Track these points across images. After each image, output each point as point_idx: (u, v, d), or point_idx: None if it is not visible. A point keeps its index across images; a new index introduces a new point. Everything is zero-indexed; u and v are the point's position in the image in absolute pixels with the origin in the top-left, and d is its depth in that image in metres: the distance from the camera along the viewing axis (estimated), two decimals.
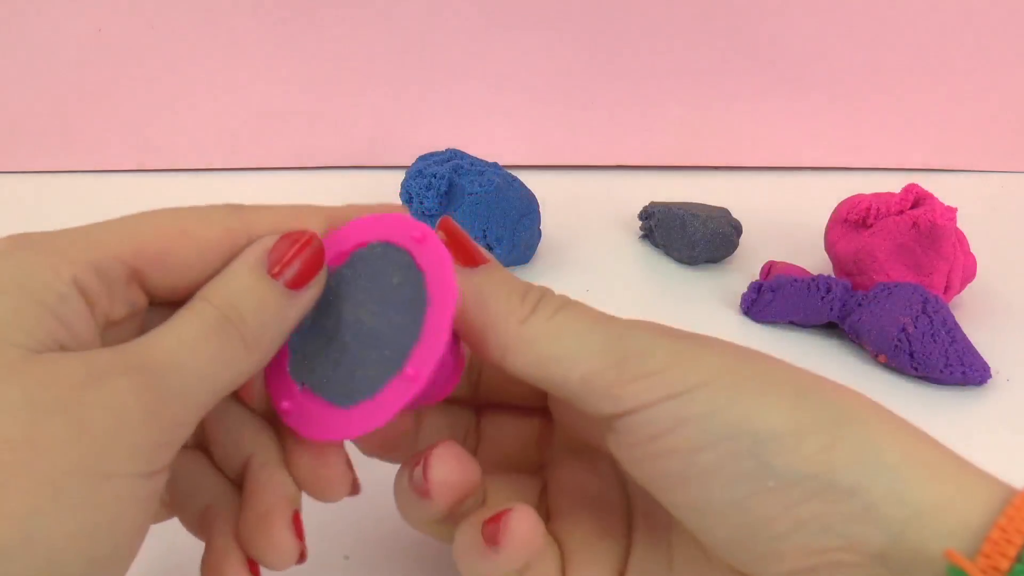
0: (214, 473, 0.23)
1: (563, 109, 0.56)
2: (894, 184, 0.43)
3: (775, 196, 0.54)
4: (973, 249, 0.42)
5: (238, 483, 0.23)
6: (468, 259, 0.22)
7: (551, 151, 0.56)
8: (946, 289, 0.41)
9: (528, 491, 0.26)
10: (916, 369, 0.37)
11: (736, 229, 0.46)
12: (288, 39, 0.54)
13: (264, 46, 0.54)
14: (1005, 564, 0.18)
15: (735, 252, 0.47)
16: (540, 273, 0.45)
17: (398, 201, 0.45)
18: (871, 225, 0.41)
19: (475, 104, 0.56)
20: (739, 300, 0.42)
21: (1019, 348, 0.40)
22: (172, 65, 0.54)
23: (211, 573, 0.22)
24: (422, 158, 0.45)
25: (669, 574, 0.23)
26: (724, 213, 0.47)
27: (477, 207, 0.42)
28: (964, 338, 0.37)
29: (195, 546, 0.23)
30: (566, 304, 0.22)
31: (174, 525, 0.24)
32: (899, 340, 0.37)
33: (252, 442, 0.23)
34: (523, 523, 0.21)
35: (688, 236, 0.45)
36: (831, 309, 0.39)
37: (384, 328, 0.22)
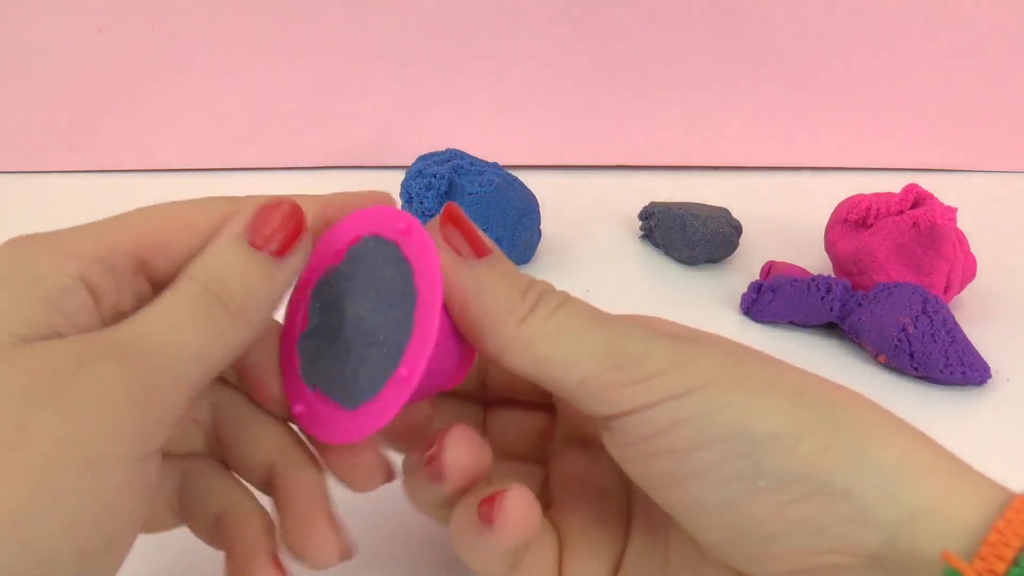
0: (227, 479, 0.23)
1: (563, 109, 0.56)
2: (894, 184, 0.43)
3: (775, 196, 0.54)
4: (973, 249, 0.42)
5: (260, 488, 0.23)
6: (471, 249, 0.22)
7: (551, 151, 0.56)
8: (946, 289, 0.41)
9: (530, 481, 0.26)
10: (916, 369, 0.37)
11: (736, 229, 0.46)
12: (288, 39, 0.54)
13: (264, 46, 0.54)
14: (1001, 567, 0.18)
15: (735, 252, 0.47)
16: (540, 273, 0.45)
17: (398, 202, 0.45)
18: (871, 225, 0.41)
19: (475, 104, 0.56)
20: (739, 300, 0.42)
21: (1019, 348, 0.40)
22: (172, 65, 0.54)
23: (238, 574, 0.22)
24: (422, 158, 0.45)
25: (665, 568, 0.23)
26: (724, 213, 0.47)
27: (477, 207, 0.42)
28: (964, 338, 0.37)
29: (194, 553, 0.23)
30: (565, 302, 0.22)
31: (182, 532, 0.24)
32: (899, 340, 0.37)
33: (274, 447, 0.23)
34: (517, 503, 0.21)
35: (688, 236, 0.45)
36: (831, 309, 0.39)
37: (380, 325, 0.22)
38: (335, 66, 0.54)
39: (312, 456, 0.23)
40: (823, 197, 0.46)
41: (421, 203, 0.43)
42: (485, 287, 0.21)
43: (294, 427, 0.24)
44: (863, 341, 0.38)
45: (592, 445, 0.24)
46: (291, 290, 0.24)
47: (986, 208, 0.53)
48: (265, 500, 0.23)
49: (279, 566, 0.22)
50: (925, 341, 0.37)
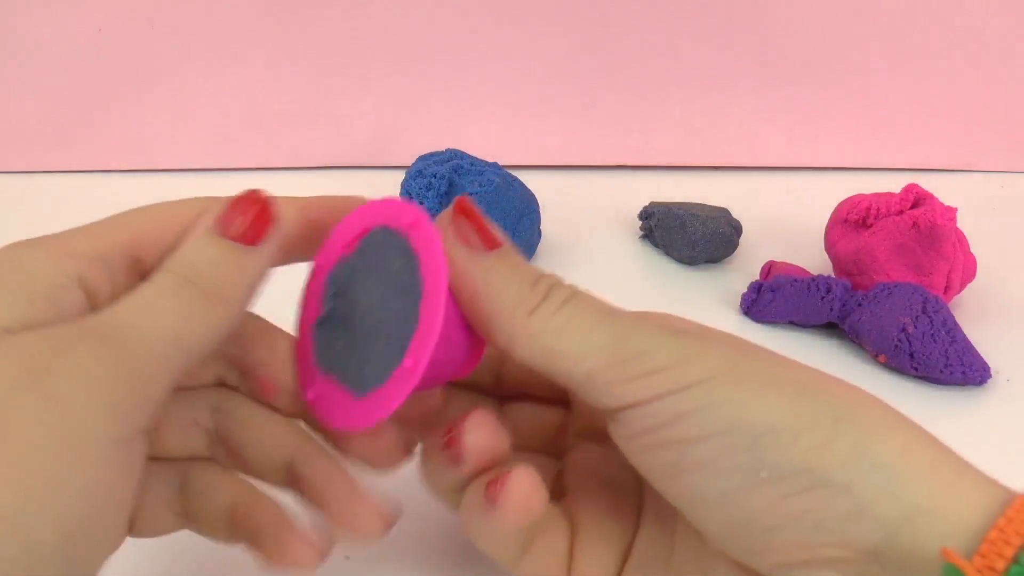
0: (231, 476, 0.24)
1: (563, 109, 0.56)
2: (894, 184, 0.43)
3: (775, 196, 0.54)
4: (973, 249, 0.42)
5: (277, 485, 0.24)
6: (481, 242, 0.22)
7: (551, 151, 0.56)
8: (946, 289, 0.41)
9: (545, 472, 0.26)
10: (916, 369, 0.37)
11: (736, 229, 0.46)
12: (288, 39, 0.54)
13: (264, 46, 0.54)
14: (1001, 564, 0.18)
15: (735, 252, 0.47)
16: None
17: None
18: (871, 225, 0.41)
19: (475, 104, 0.56)
20: (739, 300, 0.42)
21: (1019, 348, 0.40)
22: (172, 65, 0.54)
23: (277, 549, 0.23)
24: (422, 158, 0.45)
25: (670, 557, 0.23)
26: (724, 213, 0.47)
27: None
28: (964, 338, 0.37)
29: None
30: (574, 296, 0.22)
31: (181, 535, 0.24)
32: (899, 340, 0.37)
33: (290, 443, 0.23)
34: (521, 482, 0.22)
35: (688, 236, 0.45)
36: (831, 309, 0.39)
37: (388, 315, 0.22)
38: (335, 66, 0.54)
39: (324, 446, 0.24)
40: (823, 197, 0.46)
41: (421, 203, 0.43)
42: (495, 279, 0.22)
43: (301, 423, 0.24)
44: (863, 341, 0.38)
45: (605, 439, 0.24)
46: (308, 276, 0.24)
47: (986, 208, 0.53)
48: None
49: (311, 540, 0.23)
50: (925, 341, 0.37)
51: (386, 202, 0.23)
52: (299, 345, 0.24)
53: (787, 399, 0.20)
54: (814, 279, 0.40)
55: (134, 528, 0.23)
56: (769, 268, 0.43)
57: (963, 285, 0.42)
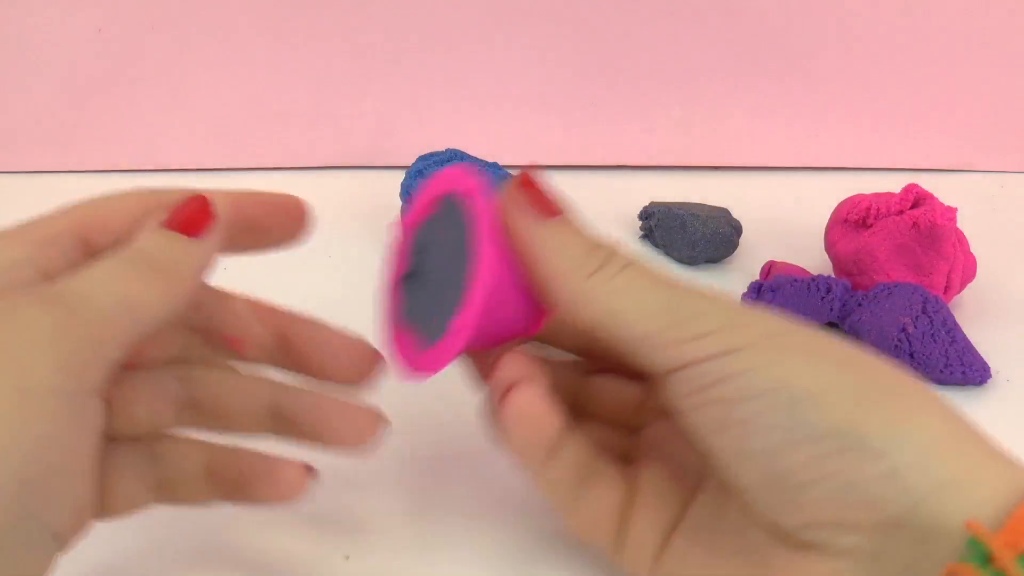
0: (202, 440, 0.25)
1: (563, 109, 0.56)
2: (894, 184, 0.43)
3: (775, 196, 0.54)
4: (973, 249, 0.42)
5: (264, 432, 0.26)
6: (542, 210, 0.24)
7: (551, 151, 0.56)
8: (946, 289, 0.41)
9: (615, 441, 0.28)
10: (916, 369, 0.37)
11: (736, 229, 0.46)
12: (288, 39, 0.54)
13: (264, 46, 0.54)
14: None
15: (735, 252, 0.47)
16: None
17: (397, 201, 0.45)
18: (871, 225, 0.41)
19: (475, 104, 0.56)
20: (739, 300, 0.42)
21: (1019, 348, 0.40)
22: (172, 65, 0.54)
23: (266, 485, 0.24)
24: (422, 158, 0.45)
25: (717, 527, 0.24)
26: (724, 213, 0.47)
27: None
28: (964, 338, 0.37)
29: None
30: (632, 262, 0.23)
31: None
32: (899, 340, 0.37)
33: (268, 388, 0.25)
34: (522, 394, 0.24)
35: (688, 236, 0.45)
36: (831, 309, 0.39)
37: (452, 274, 0.24)
38: (335, 66, 0.54)
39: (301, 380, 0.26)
40: (823, 197, 0.46)
41: None
42: (555, 244, 0.23)
43: (271, 369, 0.26)
44: (863, 341, 0.38)
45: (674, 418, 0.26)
46: (398, 234, 0.28)
47: (986, 208, 0.53)
48: None
49: (296, 463, 0.25)
50: (925, 341, 0.37)
51: (458, 168, 0.25)
52: (387, 298, 0.27)
53: (829, 367, 0.21)
54: (814, 279, 0.40)
55: (110, 506, 0.24)
56: (769, 268, 0.43)
57: (963, 285, 0.42)
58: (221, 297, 0.26)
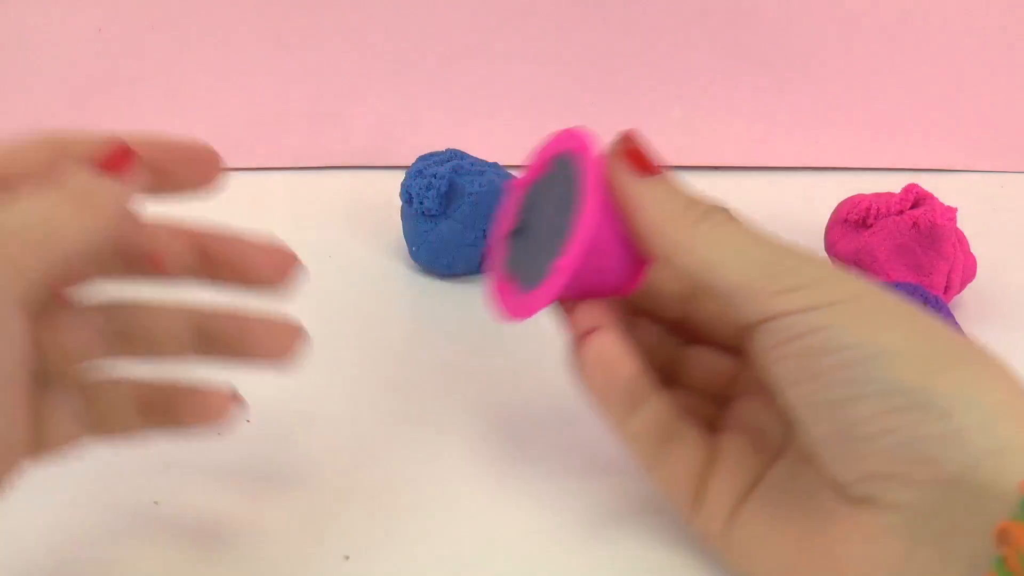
0: (132, 373, 0.26)
1: (563, 109, 0.56)
2: (894, 184, 0.43)
3: (775, 196, 0.54)
4: (973, 249, 0.42)
5: (194, 353, 0.27)
6: (646, 169, 0.26)
7: None
8: (946, 289, 0.41)
9: (704, 410, 0.29)
10: None
11: None
12: (288, 39, 0.54)
13: (264, 46, 0.54)
14: None
15: None
16: None
17: (397, 201, 0.45)
18: (871, 225, 0.41)
19: (475, 104, 0.56)
20: None
21: (1019, 348, 0.40)
22: (172, 65, 0.53)
23: (197, 409, 0.26)
24: (422, 158, 0.45)
25: (789, 491, 0.25)
26: None
27: (477, 207, 0.42)
28: None
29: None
30: (731, 217, 0.25)
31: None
32: None
33: (192, 310, 0.26)
34: (599, 338, 0.26)
35: None
36: None
37: (556, 227, 0.26)
38: (335, 66, 0.54)
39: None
40: (823, 197, 0.46)
41: (421, 203, 0.43)
42: (658, 197, 0.25)
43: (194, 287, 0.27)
44: None
45: (765, 391, 0.27)
46: (509, 194, 0.30)
47: (986, 208, 0.53)
48: None
49: (224, 388, 0.26)
50: None
51: (571, 130, 0.28)
52: (497, 251, 0.30)
53: (907, 330, 0.22)
54: None
55: (44, 444, 0.24)
56: None
57: (963, 285, 0.42)
58: (138, 222, 0.27)
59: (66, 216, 0.22)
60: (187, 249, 0.27)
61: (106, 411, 0.25)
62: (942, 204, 0.40)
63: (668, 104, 0.56)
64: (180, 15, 0.52)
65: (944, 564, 0.21)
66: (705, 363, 0.30)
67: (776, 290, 0.23)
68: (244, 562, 0.28)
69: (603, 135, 0.27)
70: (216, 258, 0.27)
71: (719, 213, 0.25)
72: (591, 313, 0.26)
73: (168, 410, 0.26)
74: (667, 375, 0.29)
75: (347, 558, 0.28)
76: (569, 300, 0.27)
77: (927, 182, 0.43)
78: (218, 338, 0.26)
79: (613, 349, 0.26)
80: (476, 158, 0.45)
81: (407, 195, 0.44)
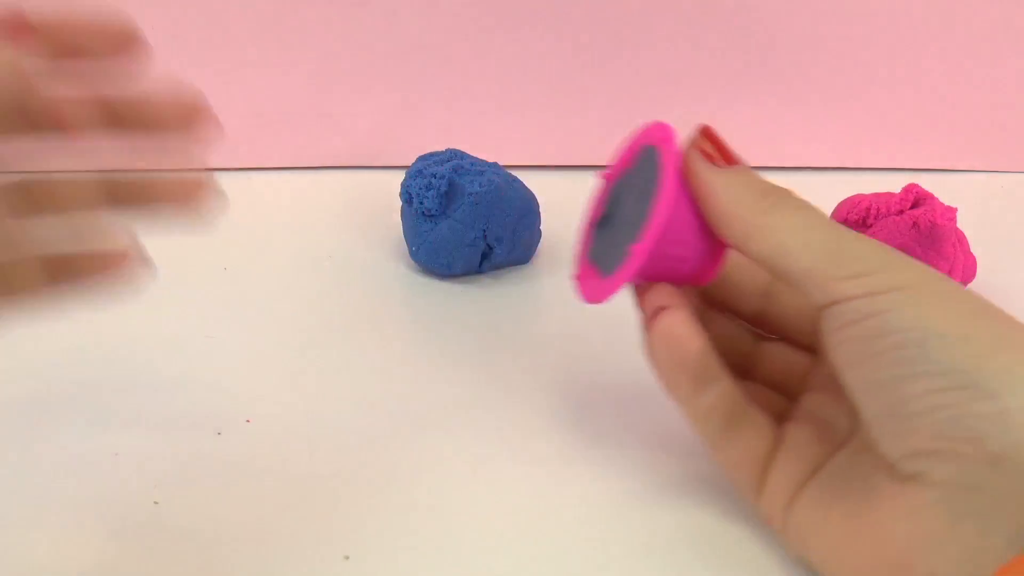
0: (36, 230, 0.26)
1: (563, 109, 0.56)
2: (894, 184, 0.43)
3: None
4: (973, 249, 0.42)
5: (104, 206, 0.26)
6: (723, 160, 0.28)
7: (551, 151, 0.56)
8: None
9: (774, 401, 0.30)
10: None
11: None
12: (288, 39, 0.54)
13: (264, 46, 0.54)
14: None
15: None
16: (540, 273, 0.46)
17: (397, 201, 0.45)
18: (871, 225, 0.41)
19: (475, 104, 0.56)
20: None
21: None
22: (172, 65, 0.53)
23: (108, 259, 0.26)
24: (422, 158, 0.45)
25: (848, 476, 0.26)
26: None
27: (477, 207, 0.42)
28: None
29: None
30: (803, 206, 0.26)
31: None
32: None
33: (96, 177, 0.26)
34: (668, 316, 0.27)
35: None
36: None
37: (636, 215, 0.27)
38: (335, 66, 0.54)
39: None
40: (823, 197, 0.46)
41: (421, 203, 0.43)
42: (734, 185, 0.27)
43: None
44: None
45: (836, 385, 0.27)
46: (599, 186, 0.32)
47: (986, 208, 0.53)
48: None
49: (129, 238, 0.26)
50: None
51: (655, 124, 0.29)
52: (581, 240, 0.31)
53: (963, 314, 0.23)
54: None
55: None
56: None
57: (963, 285, 0.42)
58: (34, 81, 0.26)
59: None
60: (91, 105, 0.26)
61: (10, 275, 0.25)
62: (942, 204, 0.40)
63: (668, 104, 0.56)
64: (180, 15, 0.52)
65: (983, 539, 0.22)
66: (780, 358, 0.31)
67: (841, 276, 0.24)
68: (244, 562, 0.28)
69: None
70: (121, 111, 0.27)
71: (793, 199, 0.26)
72: (661, 294, 0.28)
73: (71, 269, 0.26)
74: (742, 369, 0.31)
75: (347, 558, 0.28)
76: (643, 286, 0.29)
77: (927, 182, 0.43)
78: (126, 188, 0.26)
79: (681, 326, 0.27)
80: (476, 158, 0.45)
81: (407, 195, 0.44)
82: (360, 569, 0.28)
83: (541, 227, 0.46)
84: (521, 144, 0.56)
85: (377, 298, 0.43)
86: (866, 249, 0.25)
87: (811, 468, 0.27)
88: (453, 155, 0.44)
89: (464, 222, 0.42)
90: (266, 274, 0.45)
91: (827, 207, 0.44)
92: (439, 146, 0.46)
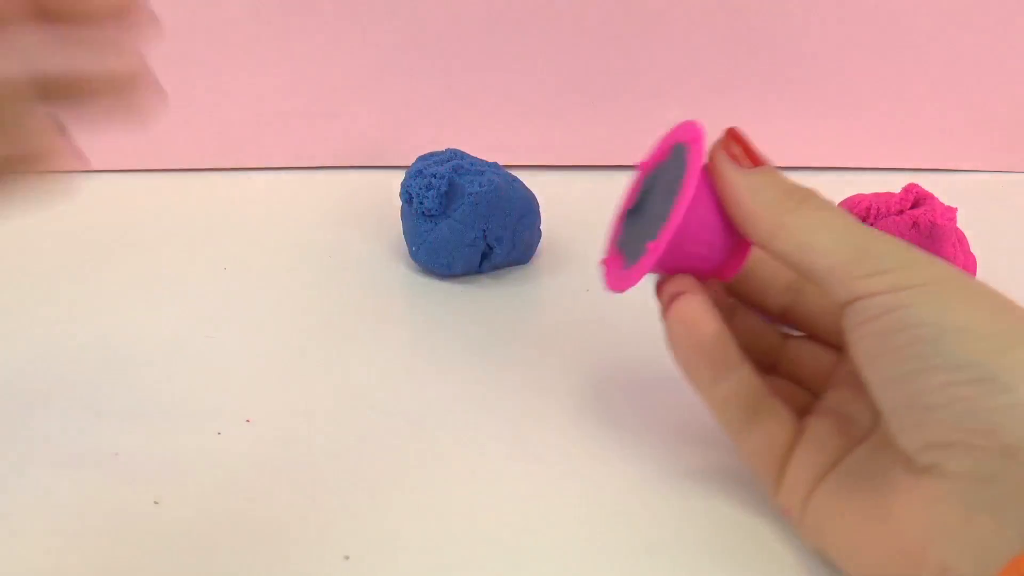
0: None
1: (563, 109, 0.56)
2: (894, 184, 0.43)
3: None
4: (973, 249, 0.42)
5: (59, 102, 0.25)
6: (749, 160, 0.28)
7: (551, 151, 0.56)
8: None
9: (798, 396, 0.31)
10: None
11: None
12: (288, 39, 0.54)
13: (264, 46, 0.54)
14: None
15: None
16: (540, 273, 0.45)
17: (397, 201, 0.45)
18: (871, 225, 0.41)
19: (475, 104, 0.56)
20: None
21: None
22: (172, 65, 0.53)
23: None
24: (422, 158, 0.45)
25: (866, 469, 0.26)
26: None
27: (477, 207, 0.42)
28: None
29: None
30: (826, 205, 0.27)
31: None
32: None
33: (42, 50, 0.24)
34: (684, 301, 0.28)
35: None
36: None
37: (662, 210, 0.28)
38: (335, 66, 0.54)
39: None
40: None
41: (421, 203, 0.43)
42: (760, 186, 0.27)
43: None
44: None
45: (859, 382, 0.27)
46: (634, 178, 0.33)
47: (986, 208, 0.53)
48: None
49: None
50: None
51: (689, 122, 0.30)
52: (613, 226, 0.33)
53: (980, 310, 0.24)
54: None
55: None
56: None
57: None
58: None
59: None
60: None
61: None
62: (942, 204, 0.40)
63: (668, 104, 0.56)
64: (181, 15, 0.52)
65: (997, 530, 0.22)
66: (805, 355, 0.32)
67: (863, 273, 0.25)
68: (244, 562, 0.28)
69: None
70: (48, 4, 0.25)
71: (816, 199, 0.27)
72: (679, 281, 0.29)
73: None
74: (768, 363, 0.32)
75: (347, 558, 0.28)
76: (663, 277, 0.30)
77: (927, 182, 0.43)
78: (55, 84, 0.24)
79: (696, 310, 0.28)
80: (476, 158, 0.45)
81: (407, 195, 0.44)
82: (360, 569, 0.28)
83: (541, 227, 0.46)
84: (521, 144, 0.56)
85: (377, 298, 0.43)
86: (888, 247, 0.25)
87: (831, 461, 0.27)
88: (453, 155, 0.44)
89: (464, 222, 0.42)
90: (266, 274, 0.45)
91: None
92: (439, 146, 0.46)
